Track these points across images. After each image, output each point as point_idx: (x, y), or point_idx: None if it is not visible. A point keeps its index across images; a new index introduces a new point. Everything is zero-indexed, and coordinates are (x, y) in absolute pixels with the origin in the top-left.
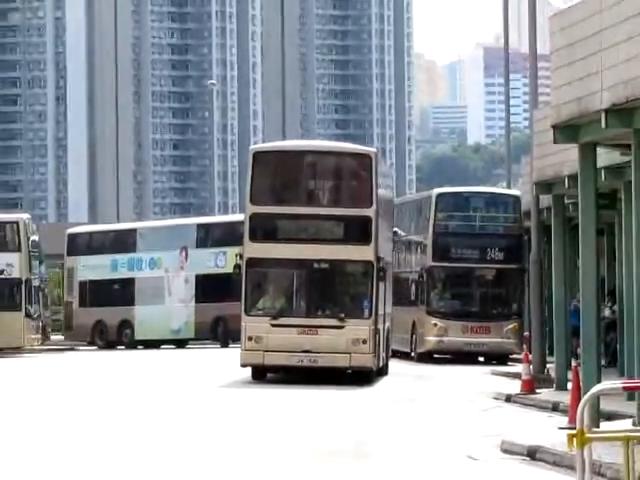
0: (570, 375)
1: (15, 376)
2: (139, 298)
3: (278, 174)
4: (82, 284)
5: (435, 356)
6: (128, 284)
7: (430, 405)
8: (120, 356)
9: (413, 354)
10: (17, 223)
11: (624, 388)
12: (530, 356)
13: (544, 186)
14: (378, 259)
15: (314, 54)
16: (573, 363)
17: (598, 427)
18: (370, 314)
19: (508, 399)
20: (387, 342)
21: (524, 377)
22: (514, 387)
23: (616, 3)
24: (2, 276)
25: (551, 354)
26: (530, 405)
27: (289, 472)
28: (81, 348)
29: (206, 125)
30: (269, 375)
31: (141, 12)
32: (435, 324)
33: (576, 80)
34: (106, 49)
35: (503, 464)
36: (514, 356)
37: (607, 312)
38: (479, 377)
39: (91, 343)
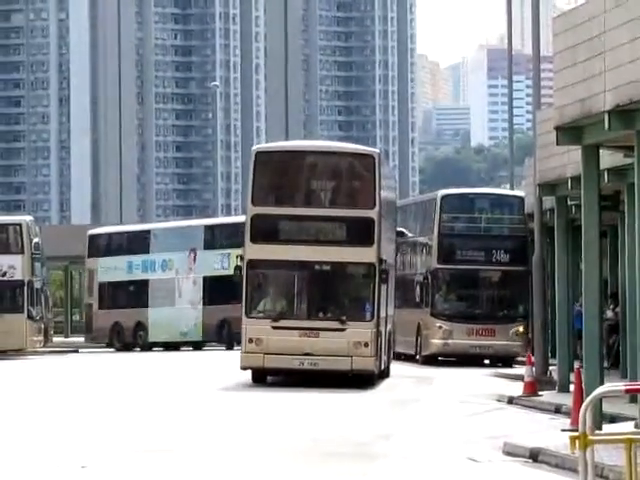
0: (572, 377)
1: (16, 379)
2: (152, 300)
3: (280, 175)
4: (102, 286)
5: (440, 359)
6: (143, 286)
7: (431, 407)
8: (125, 358)
9: (418, 357)
10: (20, 225)
11: (626, 391)
12: (532, 358)
13: (547, 188)
14: (380, 261)
15: (317, 55)
16: (576, 365)
17: (600, 429)
18: (372, 317)
19: (510, 401)
20: (389, 345)
21: (526, 379)
22: (516, 389)
23: (619, 5)
24: (4, 278)
25: (553, 356)
26: (532, 407)
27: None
28: (84, 350)
29: (209, 126)
30: (269, 378)
31: (144, 13)
32: (440, 326)
33: (579, 82)
34: (109, 50)
35: (505, 466)
36: (520, 359)
37: (610, 314)
38: (481, 379)
39: (109, 345)
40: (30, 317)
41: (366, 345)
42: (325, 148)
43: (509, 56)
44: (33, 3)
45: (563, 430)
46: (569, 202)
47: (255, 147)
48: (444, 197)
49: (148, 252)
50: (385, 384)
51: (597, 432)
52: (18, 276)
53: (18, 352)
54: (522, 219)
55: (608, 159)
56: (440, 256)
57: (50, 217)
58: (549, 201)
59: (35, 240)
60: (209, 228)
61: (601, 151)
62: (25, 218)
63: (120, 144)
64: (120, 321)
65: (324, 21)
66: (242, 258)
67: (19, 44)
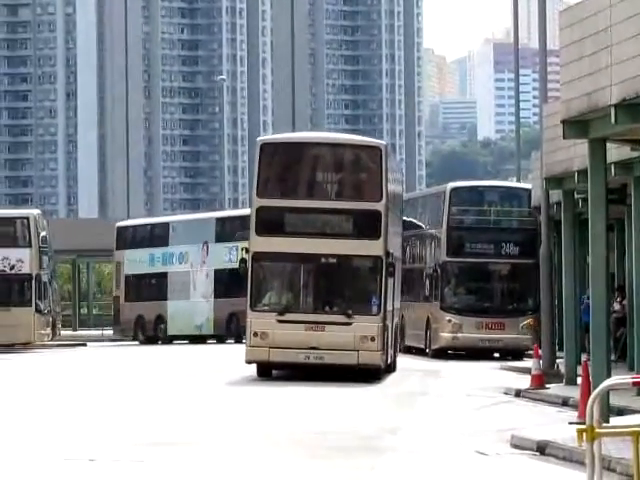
0: (580, 370)
1: (23, 372)
2: (171, 293)
3: (285, 166)
4: (127, 278)
5: (450, 352)
6: (162, 279)
7: (439, 400)
8: (138, 352)
9: (428, 350)
10: (28, 219)
11: (634, 384)
12: (540, 351)
13: (554, 181)
14: (387, 254)
15: (324, 49)
16: (583, 358)
17: (608, 422)
18: (379, 310)
19: (518, 394)
20: (395, 338)
21: (534, 372)
22: (524, 382)
23: None
24: (12, 272)
25: (561, 349)
26: (540, 400)
27: (297, 468)
28: (92, 344)
29: (216, 120)
30: (275, 372)
31: (151, 8)
32: (449, 320)
33: (586, 75)
34: (116, 45)
35: (513, 459)
36: (530, 352)
37: (617, 307)
38: (489, 372)
39: (135, 338)
40: (38, 310)
41: (373, 339)
42: (331, 140)
43: (515, 50)
44: None
45: (570, 423)
46: (576, 196)
47: (260, 138)
48: (453, 190)
49: (167, 245)
50: (392, 378)
51: (604, 425)
52: (26, 270)
53: (26, 345)
54: (531, 211)
55: (615, 152)
56: (449, 249)
57: (57, 210)
58: (556, 194)
59: (43, 233)
60: (220, 220)
61: (608, 144)
62: (33, 211)
63: (127, 138)
64: (143, 314)
65: (330, 15)
66: (247, 251)
67: (26, 38)
